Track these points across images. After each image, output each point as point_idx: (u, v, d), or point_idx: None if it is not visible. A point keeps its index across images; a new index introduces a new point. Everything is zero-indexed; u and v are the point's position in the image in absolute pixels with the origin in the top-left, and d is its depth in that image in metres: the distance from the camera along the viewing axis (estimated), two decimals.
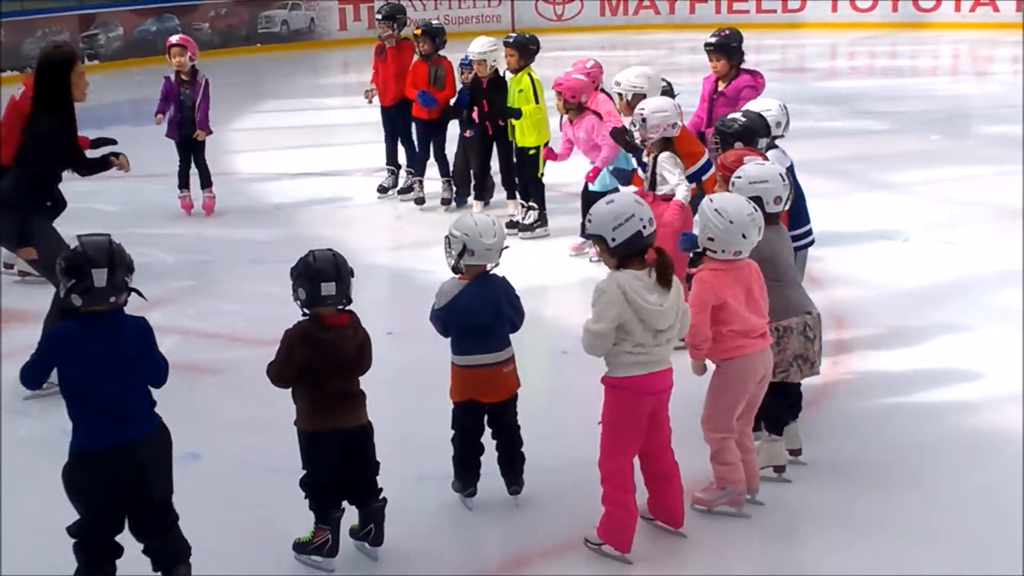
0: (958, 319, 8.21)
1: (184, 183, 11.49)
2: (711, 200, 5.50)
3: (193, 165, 11.42)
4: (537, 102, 10.14)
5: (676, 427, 5.39)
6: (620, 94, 8.71)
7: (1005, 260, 9.49)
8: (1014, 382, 7.08)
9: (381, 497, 5.29)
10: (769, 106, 7.28)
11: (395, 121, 11.68)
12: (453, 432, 5.76)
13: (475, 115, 10.62)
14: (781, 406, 5.87)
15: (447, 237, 5.66)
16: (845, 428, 6.60)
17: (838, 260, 9.42)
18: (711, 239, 5.39)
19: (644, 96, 8.43)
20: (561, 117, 9.69)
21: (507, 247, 5.75)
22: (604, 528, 5.30)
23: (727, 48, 8.83)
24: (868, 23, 25.80)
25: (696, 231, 5.64)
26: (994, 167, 12.77)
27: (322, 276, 5.06)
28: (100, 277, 4.52)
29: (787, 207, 5.88)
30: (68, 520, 4.65)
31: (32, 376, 4.71)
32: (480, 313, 5.57)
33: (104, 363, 4.55)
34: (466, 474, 5.77)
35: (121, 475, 4.60)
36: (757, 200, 5.62)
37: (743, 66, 8.97)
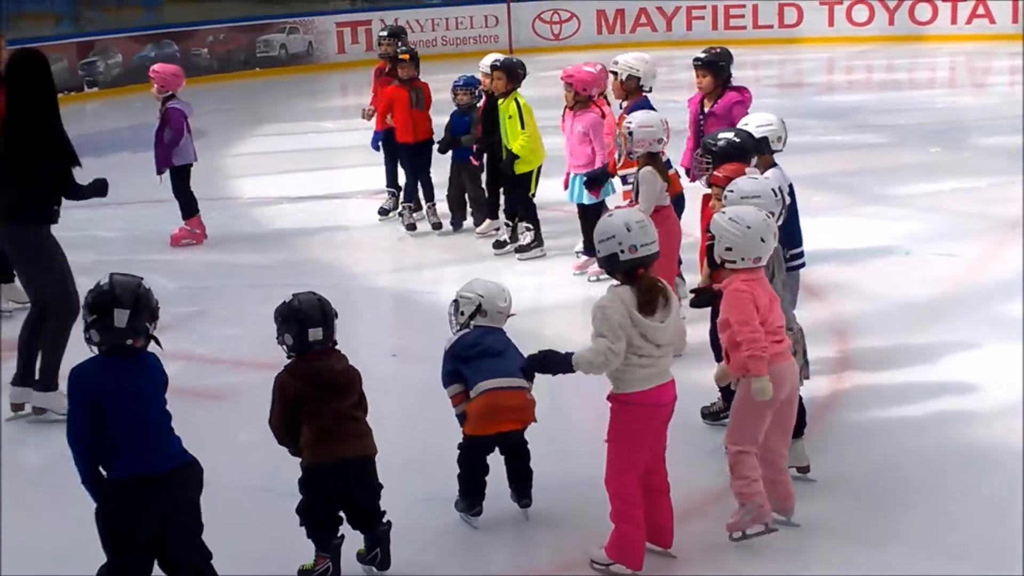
0: (960, 331, 8.20)
1: (190, 212, 11.43)
2: (723, 212, 5.52)
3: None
4: (523, 127, 10.10)
5: (675, 444, 5.40)
6: (616, 73, 9.10)
7: (1006, 271, 9.49)
8: (1018, 393, 7.07)
9: (385, 521, 5.29)
10: (769, 120, 7.23)
11: (394, 143, 11.69)
12: (460, 453, 5.76)
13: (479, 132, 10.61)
14: None
15: (455, 301, 5.83)
16: (848, 442, 6.59)
17: (839, 274, 9.41)
18: (729, 249, 5.39)
19: (638, 79, 8.99)
20: (564, 113, 9.76)
21: (513, 314, 5.87)
22: (614, 547, 5.27)
23: (715, 66, 8.87)
24: (865, 36, 25.81)
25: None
26: (993, 178, 12.77)
27: (309, 321, 5.12)
28: (121, 318, 4.56)
29: (779, 223, 5.87)
30: (71, 551, 4.64)
31: (73, 427, 4.60)
32: (491, 341, 5.67)
33: (129, 394, 4.57)
34: (472, 494, 5.77)
35: (154, 507, 4.58)
36: None
37: (730, 84, 8.99)
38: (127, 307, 4.57)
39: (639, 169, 8.00)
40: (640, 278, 5.16)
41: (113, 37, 23.93)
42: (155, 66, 11.58)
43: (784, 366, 5.45)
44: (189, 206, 11.32)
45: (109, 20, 25.83)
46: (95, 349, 4.65)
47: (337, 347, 5.28)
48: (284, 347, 5.20)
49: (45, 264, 7.13)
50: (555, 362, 5.32)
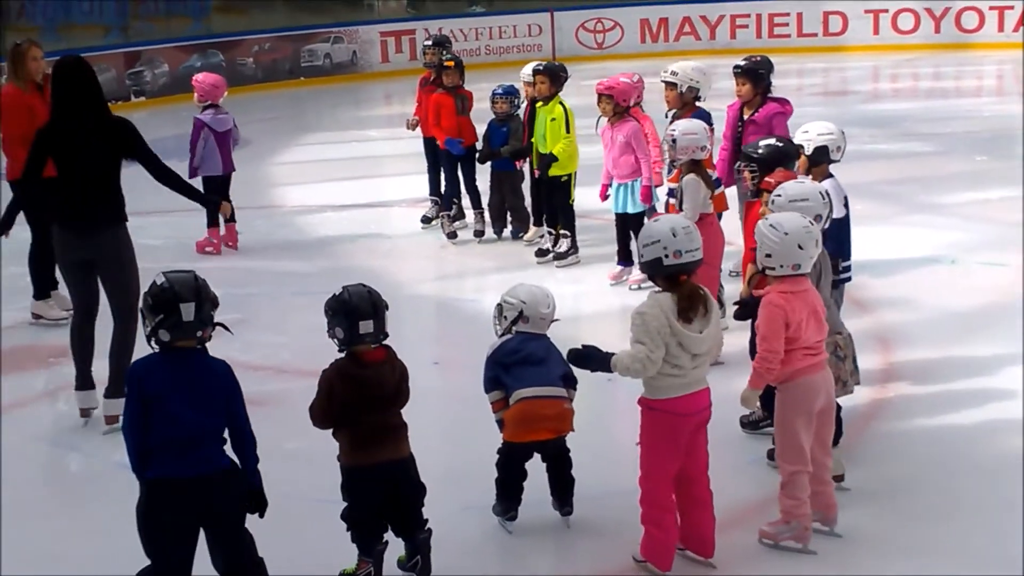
0: (1006, 341, 8.12)
1: (210, 221, 11.36)
2: (765, 218, 5.55)
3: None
4: (568, 131, 10.11)
5: (715, 454, 5.38)
6: (675, 84, 9.01)
7: None
8: None
9: (427, 528, 5.30)
10: (830, 129, 7.02)
11: (437, 152, 11.72)
12: (499, 458, 5.77)
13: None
14: None
15: (499, 305, 5.81)
16: (893, 452, 6.55)
17: (885, 283, 9.36)
18: (768, 255, 5.38)
19: (697, 91, 8.93)
20: (597, 123, 9.73)
21: (557, 320, 5.85)
22: (645, 547, 5.34)
23: (754, 73, 8.82)
24: (911, 44, 25.64)
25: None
26: None
27: (359, 314, 5.07)
28: (188, 311, 4.61)
29: (825, 226, 5.85)
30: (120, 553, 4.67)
31: (127, 421, 4.68)
32: (533, 348, 5.66)
33: (185, 394, 4.60)
34: (508, 499, 5.78)
35: (183, 510, 4.61)
36: None
37: (771, 95, 8.92)
38: (191, 300, 4.63)
39: (682, 177, 8.01)
40: (682, 284, 5.16)
41: (160, 47, 24.17)
42: (197, 76, 11.65)
43: (817, 377, 5.43)
44: (212, 215, 11.33)
45: (157, 30, 26.11)
46: (157, 348, 4.69)
47: (388, 345, 5.22)
48: (335, 340, 5.16)
49: (130, 266, 7.21)
50: (595, 359, 5.35)
